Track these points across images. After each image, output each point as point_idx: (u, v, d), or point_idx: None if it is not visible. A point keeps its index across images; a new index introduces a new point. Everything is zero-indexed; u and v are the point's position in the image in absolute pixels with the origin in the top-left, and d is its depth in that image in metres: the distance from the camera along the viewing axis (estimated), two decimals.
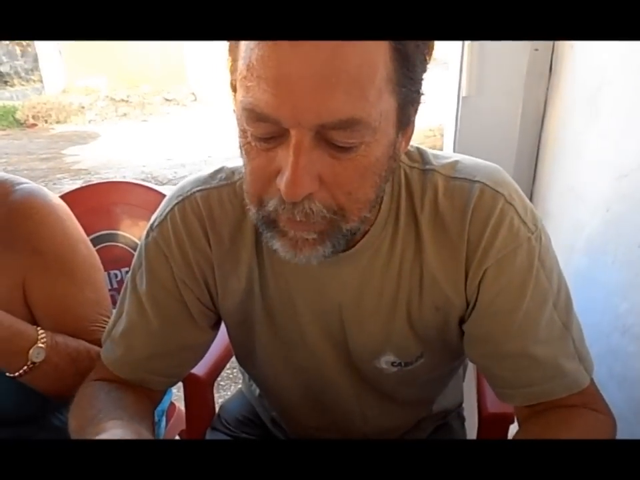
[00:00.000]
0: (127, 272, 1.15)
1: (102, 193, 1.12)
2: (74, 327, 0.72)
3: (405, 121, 0.48)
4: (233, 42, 0.46)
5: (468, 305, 0.58)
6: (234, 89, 0.47)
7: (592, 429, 0.55)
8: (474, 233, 0.54)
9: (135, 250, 1.15)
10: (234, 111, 0.48)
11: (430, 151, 0.59)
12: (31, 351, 0.66)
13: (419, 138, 5.74)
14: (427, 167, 0.57)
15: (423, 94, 0.48)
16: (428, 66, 0.47)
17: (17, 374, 0.66)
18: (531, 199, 1.08)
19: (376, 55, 0.42)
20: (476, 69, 0.97)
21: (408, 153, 0.58)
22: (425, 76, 0.47)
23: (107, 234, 1.13)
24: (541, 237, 0.55)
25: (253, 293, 0.62)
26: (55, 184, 5.20)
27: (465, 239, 0.54)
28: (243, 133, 0.47)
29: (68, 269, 0.72)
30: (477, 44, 0.96)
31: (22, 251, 0.70)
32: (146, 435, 0.50)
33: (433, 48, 0.47)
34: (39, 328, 0.69)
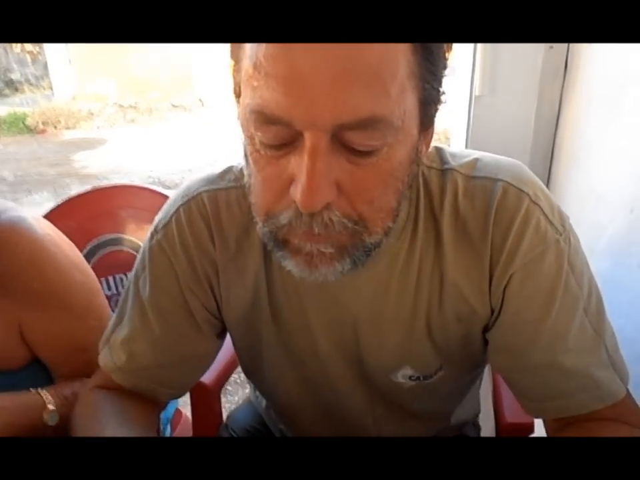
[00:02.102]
0: None
1: (108, 196, 1.11)
2: (83, 360, 0.69)
3: (426, 121, 0.45)
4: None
5: (492, 312, 0.54)
6: (237, 94, 0.44)
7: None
8: (498, 235, 0.50)
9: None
10: (238, 117, 0.44)
11: (448, 149, 0.56)
12: (45, 417, 0.64)
13: None
14: (446, 166, 0.54)
15: (444, 93, 0.45)
16: (448, 63, 0.44)
17: None
18: None
19: (397, 46, 0.38)
20: (489, 68, 0.95)
21: (426, 154, 0.54)
22: (445, 73, 0.44)
23: (113, 238, 1.11)
24: (570, 238, 0.52)
25: (259, 302, 0.59)
26: (63, 189, 5.24)
27: (488, 243, 0.51)
28: (250, 139, 0.43)
29: (66, 302, 0.69)
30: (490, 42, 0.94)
31: (13, 292, 0.66)
32: None
33: (451, 44, 0.44)
34: (41, 390, 0.66)
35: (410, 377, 0.60)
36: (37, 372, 0.70)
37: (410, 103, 0.41)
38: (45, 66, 9.82)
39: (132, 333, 0.60)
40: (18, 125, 7.80)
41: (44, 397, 0.65)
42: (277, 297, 0.58)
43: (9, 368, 0.68)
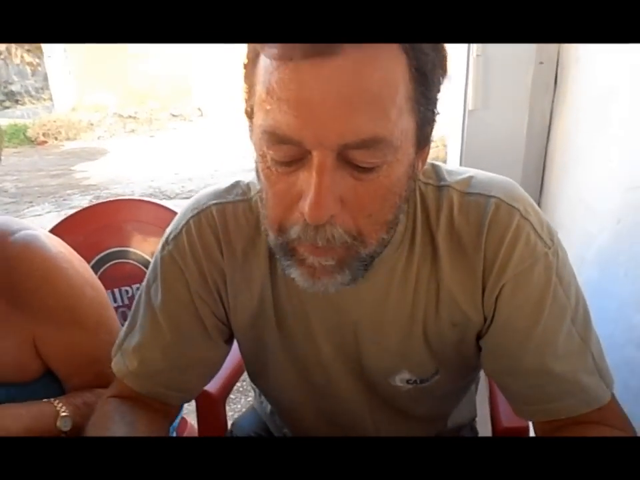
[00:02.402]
0: (137, 288, 1.17)
1: (113, 210, 1.14)
2: (94, 372, 0.72)
3: (422, 141, 0.48)
4: (250, 68, 0.46)
5: (485, 320, 0.57)
6: (249, 116, 0.47)
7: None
8: (490, 248, 0.54)
9: (145, 266, 1.17)
10: (251, 137, 0.48)
11: (444, 167, 0.59)
12: (58, 424, 0.66)
13: None
14: (442, 183, 0.57)
15: (438, 113, 0.48)
16: (442, 87, 0.47)
17: None
18: None
19: (396, 73, 0.42)
20: (481, 83, 0.98)
21: (422, 170, 0.58)
22: (439, 96, 0.47)
23: (118, 251, 1.14)
24: (558, 252, 0.55)
25: (265, 310, 0.62)
26: (64, 199, 5.26)
27: (481, 255, 0.54)
28: (262, 157, 0.46)
29: (78, 317, 0.72)
30: (482, 58, 0.97)
31: (27, 309, 0.69)
32: None
33: (447, 68, 0.47)
34: (53, 400, 0.69)
35: (407, 381, 0.63)
36: (49, 383, 0.73)
37: (407, 125, 0.44)
38: (45, 77, 9.89)
39: (144, 340, 0.63)
40: (19, 137, 7.86)
41: (56, 406, 0.67)
42: (281, 305, 0.61)
43: (23, 380, 0.71)
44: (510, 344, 0.56)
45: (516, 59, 0.97)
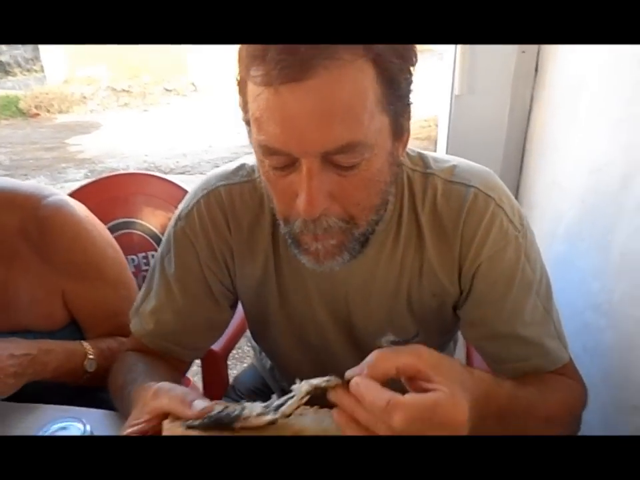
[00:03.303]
0: (143, 257, 1.24)
1: (121, 183, 1.20)
2: (114, 323, 0.80)
3: (399, 131, 0.54)
4: (242, 86, 0.51)
5: (462, 293, 0.65)
6: (248, 124, 0.53)
7: (566, 387, 0.64)
8: (467, 232, 0.61)
9: (151, 237, 1.24)
10: (250, 141, 0.54)
11: (430, 155, 0.66)
12: (85, 364, 0.76)
13: (415, 128, 5.68)
14: (428, 170, 0.64)
15: (411, 103, 0.54)
16: (411, 83, 0.53)
17: (78, 384, 0.76)
18: (517, 191, 1.17)
19: (364, 83, 0.47)
20: (467, 70, 1.05)
21: (410, 157, 0.64)
22: (412, 88, 0.53)
23: (125, 221, 1.20)
24: (527, 234, 0.63)
25: (268, 278, 0.69)
26: (59, 173, 5.25)
27: (459, 237, 0.61)
28: (261, 163, 0.54)
29: (101, 273, 0.81)
30: (469, 46, 1.04)
31: (58, 263, 0.78)
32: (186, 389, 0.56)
33: (413, 65, 0.52)
34: (83, 342, 0.78)
35: (392, 342, 0.71)
36: (73, 333, 0.83)
37: (380, 123, 0.50)
38: (35, 47, 9.67)
39: (158, 304, 0.71)
40: (11, 109, 7.74)
41: (85, 347, 0.77)
42: (282, 274, 0.68)
43: (51, 329, 0.80)
44: (485, 314, 0.64)
45: (500, 48, 1.03)
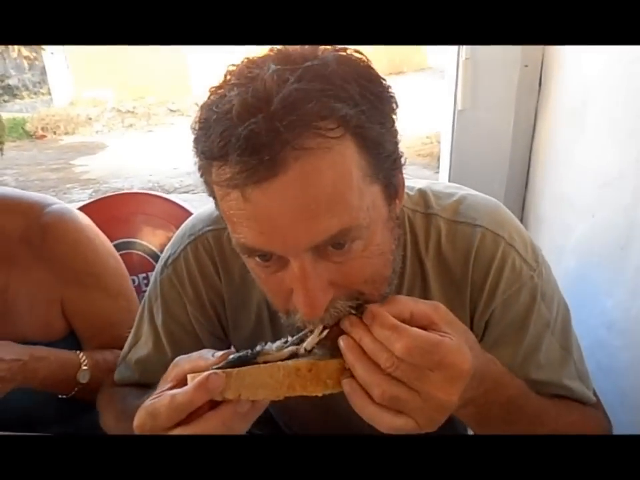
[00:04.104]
0: (143, 278, 1.22)
1: (122, 203, 1.19)
2: (111, 334, 0.79)
3: (393, 193, 0.48)
4: (206, 182, 0.46)
5: None
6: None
7: (588, 412, 0.60)
8: (477, 275, 0.56)
9: (151, 257, 1.22)
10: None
11: (430, 191, 0.60)
12: (78, 375, 0.74)
13: (416, 145, 5.68)
14: (429, 210, 0.58)
15: (401, 156, 0.48)
16: (397, 139, 0.47)
17: (69, 395, 0.74)
18: (523, 205, 1.15)
19: (346, 164, 0.41)
20: (470, 85, 1.04)
21: (409, 197, 0.59)
22: (397, 141, 0.47)
23: (126, 242, 1.19)
24: (542, 271, 0.58)
25: (262, 327, 0.65)
26: (65, 193, 5.29)
27: (468, 282, 0.57)
28: (246, 259, 0.47)
29: (102, 283, 0.80)
30: (471, 61, 1.03)
31: (58, 270, 0.77)
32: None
33: (395, 109, 0.46)
34: (79, 352, 0.76)
35: None
36: (71, 345, 0.81)
37: (371, 196, 0.44)
38: (43, 71, 9.85)
39: (146, 355, 0.67)
40: (17, 131, 7.85)
41: (80, 358, 0.75)
42: (278, 324, 0.63)
43: (49, 339, 0.79)
44: (499, 359, 0.59)
45: (503, 62, 1.03)
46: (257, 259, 0.45)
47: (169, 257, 0.66)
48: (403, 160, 0.48)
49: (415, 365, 0.40)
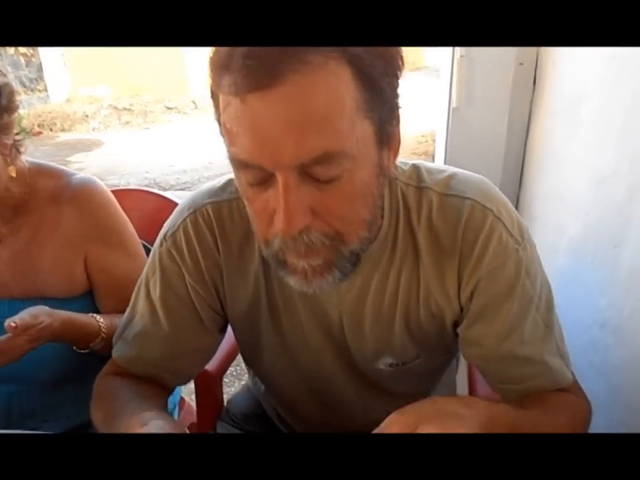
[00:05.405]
0: None
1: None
2: (128, 292, 0.78)
3: (385, 139, 0.50)
4: (214, 96, 0.49)
5: (462, 309, 0.62)
6: (223, 135, 0.50)
7: (571, 404, 0.61)
8: (466, 246, 0.58)
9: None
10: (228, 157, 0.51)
11: (424, 167, 0.62)
12: (91, 344, 0.79)
13: (412, 144, 5.65)
14: (422, 184, 0.60)
15: (399, 108, 0.50)
16: (400, 81, 0.49)
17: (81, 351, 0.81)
18: (517, 204, 1.15)
19: (340, 89, 0.44)
20: (465, 82, 1.04)
21: (403, 171, 0.61)
22: (397, 94, 0.49)
23: None
24: (527, 247, 0.59)
25: (259, 301, 0.66)
26: None
27: (457, 251, 0.58)
28: (238, 179, 0.51)
29: (123, 242, 0.86)
30: (466, 59, 1.03)
31: (85, 227, 0.83)
32: (179, 424, 0.55)
33: (397, 70, 0.49)
34: (99, 320, 0.80)
35: (390, 364, 0.68)
36: (87, 305, 0.86)
37: (362, 132, 0.47)
38: (39, 68, 9.79)
39: (143, 330, 0.67)
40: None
41: (100, 324, 0.80)
42: (274, 295, 0.65)
43: (67, 294, 0.84)
44: (482, 332, 0.61)
45: (497, 60, 1.02)
46: (249, 174, 0.48)
47: (167, 230, 0.66)
48: (400, 118, 0.51)
49: None
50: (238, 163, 0.48)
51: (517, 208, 1.14)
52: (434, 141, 1.71)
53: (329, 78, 0.43)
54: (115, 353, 0.70)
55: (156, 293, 0.66)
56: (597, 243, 0.81)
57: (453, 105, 1.06)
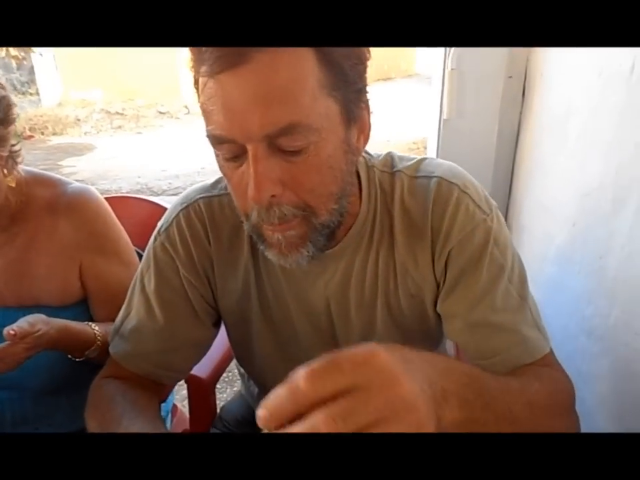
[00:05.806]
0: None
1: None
2: (123, 299, 0.80)
3: (352, 118, 0.53)
4: (196, 83, 0.53)
5: (438, 286, 0.64)
6: (204, 117, 0.54)
7: (549, 377, 0.61)
8: (436, 221, 0.61)
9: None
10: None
11: (397, 155, 0.67)
12: (87, 352, 0.79)
13: (403, 151, 5.75)
14: (394, 169, 0.64)
15: (366, 92, 0.54)
16: (363, 70, 0.53)
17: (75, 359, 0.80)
18: (506, 214, 1.17)
19: (304, 68, 0.48)
20: (456, 94, 1.06)
21: (379, 160, 0.65)
22: (364, 78, 0.53)
23: None
24: (495, 219, 0.62)
25: (249, 293, 0.67)
26: None
27: (428, 228, 0.61)
28: (216, 156, 0.54)
29: (118, 250, 0.87)
30: (457, 71, 1.05)
31: (80, 235, 0.83)
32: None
33: (366, 54, 0.52)
34: (94, 328, 0.80)
35: None
36: (81, 313, 0.86)
37: (327, 108, 0.50)
38: (31, 71, 9.74)
39: (139, 324, 0.68)
40: None
41: (95, 332, 0.80)
42: (263, 287, 0.67)
43: (62, 303, 0.84)
44: (458, 301, 0.62)
45: (487, 72, 1.05)
46: (224, 149, 0.51)
47: (161, 226, 0.69)
48: (367, 102, 0.55)
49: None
50: (214, 139, 0.51)
51: (506, 218, 1.16)
52: (425, 147, 1.73)
53: (291, 57, 0.48)
54: (111, 349, 0.71)
55: (150, 287, 0.68)
56: (584, 253, 0.83)
57: (444, 116, 1.08)
